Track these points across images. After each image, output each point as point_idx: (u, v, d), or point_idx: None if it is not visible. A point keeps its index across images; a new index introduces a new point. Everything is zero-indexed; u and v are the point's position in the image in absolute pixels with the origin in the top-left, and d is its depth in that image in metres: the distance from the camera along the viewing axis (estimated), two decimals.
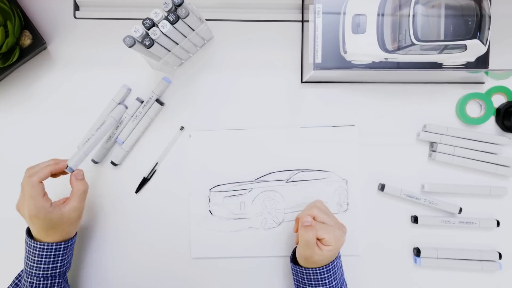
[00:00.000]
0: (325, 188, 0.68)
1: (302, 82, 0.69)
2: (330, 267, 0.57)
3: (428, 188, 0.68)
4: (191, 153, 0.68)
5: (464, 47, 0.61)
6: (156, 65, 0.61)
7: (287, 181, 0.67)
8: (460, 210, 0.68)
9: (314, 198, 0.67)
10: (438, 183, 0.68)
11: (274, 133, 0.68)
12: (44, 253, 0.56)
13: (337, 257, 0.59)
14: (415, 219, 0.68)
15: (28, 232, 0.58)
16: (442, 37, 0.62)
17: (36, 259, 0.56)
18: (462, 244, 0.69)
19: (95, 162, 0.67)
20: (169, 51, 0.60)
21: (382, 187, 0.68)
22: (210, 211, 0.67)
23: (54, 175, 0.60)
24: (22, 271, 0.60)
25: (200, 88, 0.68)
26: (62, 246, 0.58)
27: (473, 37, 0.61)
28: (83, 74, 0.68)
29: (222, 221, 0.67)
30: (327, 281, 0.57)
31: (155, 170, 0.68)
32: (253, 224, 0.67)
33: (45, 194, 0.57)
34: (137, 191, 0.68)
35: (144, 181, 0.68)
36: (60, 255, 0.58)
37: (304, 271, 0.58)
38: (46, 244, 0.56)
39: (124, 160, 0.68)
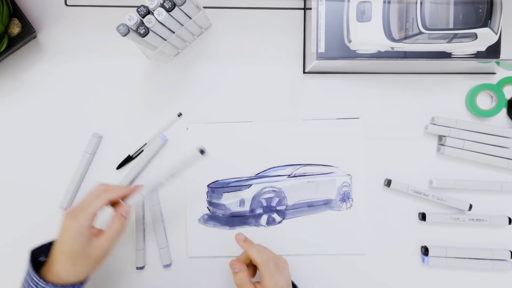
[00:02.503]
0: (328, 184, 0.67)
1: (304, 72, 0.68)
2: None
3: (437, 183, 0.67)
4: (188, 147, 0.67)
5: (474, 36, 0.61)
6: (151, 55, 0.60)
7: (289, 176, 0.67)
8: (470, 206, 0.67)
9: (317, 193, 0.67)
10: (447, 178, 0.68)
11: (275, 126, 0.67)
12: None
13: None
14: (422, 216, 0.67)
15: (35, 266, 0.52)
16: (451, 26, 0.61)
17: None
18: (472, 243, 0.68)
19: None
20: (165, 40, 0.60)
21: (388, 183, 0.67)
22: (208, 207, 0.67)
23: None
24: None
25: (197, 79, 0.68)
26: None
27: (484, 25, 0.60)
28: (75, 63, 0.67)
29: (220, 219, 0.67)
30: None
31: (142, 150, 0.67)
32: (253, 222, 0.67)
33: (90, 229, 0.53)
34: (119, 167, 0.68)
35: (129, 158, 0.67)
36: None
37: None
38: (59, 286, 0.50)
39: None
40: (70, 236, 0.51)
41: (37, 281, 0.50)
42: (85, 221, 0.51)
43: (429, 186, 0.68)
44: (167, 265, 0.67)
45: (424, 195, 0.67)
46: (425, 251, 0.67)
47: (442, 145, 0.68)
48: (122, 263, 0.67)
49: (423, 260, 0.68)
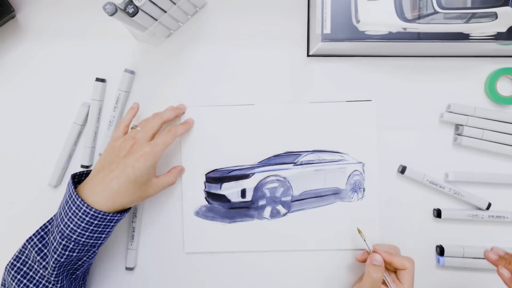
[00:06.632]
0: (338, 172, 0.66)
1: (308, 55, 0.67)
2: None
3: (453, 177, 0.66)
4: (184, 133, 0.66)
5: (494, 16, 0.60)
6: (141, 36, 0.60)
7: (295, 164, 0.66)
8: (489, 205, 0.66)
9: (326, 183, 0.66)
10: (464, 171, 0.67)
11: (279, 110, 0.66)
12: (96, 222, 0.54)
13: None
14: (438, 213, 0.66)
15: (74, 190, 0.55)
16: (469, 4, 0.60)
17: (83, 225, 0.53)
18: (492, 242, 0.66)
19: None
20: (156, 20, 0.59)
21: (402, 170, 0.66)
22: (206, 199, 0.66)
23: None
24: (49, 223, 0.57)
25: (192, 62, 0.67)
26: (116, 218, 0.56)
27: (505, 3, 0.59)
28: (57, 45, 0.67)
29: (220, 211, 0.66)
30: None
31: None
32: (255, 214, 0.66)
33: None
34: None
35: None
36: (111, 227, 0.56)
37: None
38: (103, 213, 0.54)
39: None
40: (142, 168, 0.56)
41: (81, 205, 0.53)
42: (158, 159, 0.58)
43: (445, 180, 0.67)
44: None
45: (440, 187, 0.66)
46: (440, 251, 0.66)
47: (459, 134, 0.67)
48: (112, 263, 0.68)
49: (438, 261, 0.67)
